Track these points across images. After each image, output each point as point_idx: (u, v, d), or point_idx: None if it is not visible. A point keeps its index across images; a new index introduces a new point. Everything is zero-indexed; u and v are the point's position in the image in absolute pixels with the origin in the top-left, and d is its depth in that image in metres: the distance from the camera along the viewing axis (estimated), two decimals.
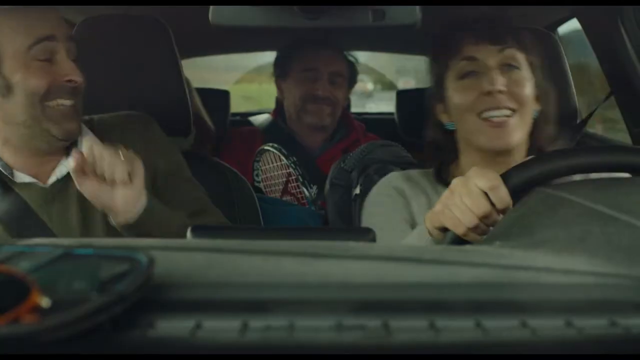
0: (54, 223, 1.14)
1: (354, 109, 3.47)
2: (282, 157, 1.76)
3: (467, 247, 0.71)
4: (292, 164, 1.75)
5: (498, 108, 1.09)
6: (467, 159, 1.18)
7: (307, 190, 1.74)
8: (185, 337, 0.37)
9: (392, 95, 2.41)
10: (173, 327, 0.38)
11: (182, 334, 0.37)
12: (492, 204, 0.84)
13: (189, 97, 1.43)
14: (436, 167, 1.21)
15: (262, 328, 0.38)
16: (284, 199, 1.79)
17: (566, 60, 1.40)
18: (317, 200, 1.75)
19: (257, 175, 1.84)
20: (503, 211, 0.84)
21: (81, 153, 1.03)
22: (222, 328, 0.38)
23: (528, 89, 1.11)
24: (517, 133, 1.10)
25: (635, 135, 1.54)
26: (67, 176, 1.15)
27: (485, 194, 0.84)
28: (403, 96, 2.46)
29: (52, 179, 1.16)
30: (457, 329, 0.38)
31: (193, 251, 0.51)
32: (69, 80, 1.11)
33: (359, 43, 2.47)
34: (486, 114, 1.10)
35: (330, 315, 0.39)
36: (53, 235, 1.14)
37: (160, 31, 1.39)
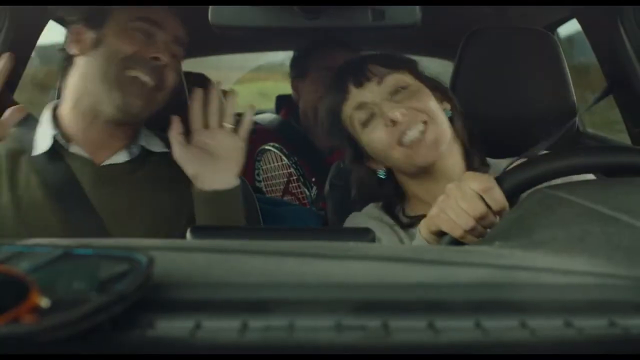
0: (99, 204, 1.14)
1: None
2: (284, 157, 1.76)
3: (467, 247, 0.71)
4: (293, 164, 1.75)
5: (411, 128, 1.09)
6: (411, 187, 1.19)
7: (308, 190, 1.74)
8: (184, 337, 0.37)
9: None
10: (173, 327, 0.38)
11: (181, 334, 0.37)
12: (488, 206, 0.84)
13: (188, 97, 1.43)
14: (387, 208, 1.22)
15: (262, 328, 0.38)
16: (285, 198, 1.79)
17: (565, 61, 1.40)
18: (318, 200, 1.75)
19: (258, 174, 1.84)
20: (499, 213, 0.84)
21: (179, 118, 1.08)
22: (221, 328, 0.38)
23: (425, 98, 1.13)
24: (442, 142, 1.10)
25: (635, 135, 1.54)
26: (122, 164, 1.18)
27: (481, 196, 0.84)
28: None
29: (107, 161, 1.17)
30: (457, 329, 0.38)
31: (193, 251, 0.51)
32: (155, 58, 1.14)
33: (372, 43, 2.47)
34: (405, 139, 1.10)
35: (330, 316, 0.39)
36: (95, 214, 1.14)
37: None
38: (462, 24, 1.66)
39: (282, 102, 2.29)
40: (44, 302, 0.36)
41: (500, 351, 0.37)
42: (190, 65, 2.43)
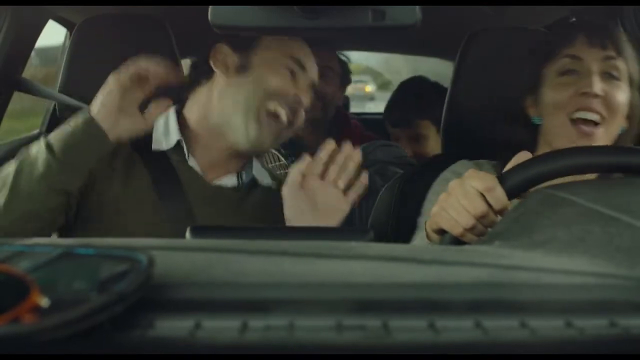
0: (200, 221, 1.15)
1: (353, 109, 3.47)
2: (281, 157, 1.76)
3: (467, 247, 0.71)
4: (291, 164, 1.75)
5: (590, 110, 1.07)
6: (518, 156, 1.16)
7: None
8: (184, 337, 0.37)
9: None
10: (173, 327, 0.38)
11: (181, 334, 0.37)
12: (489, 205, 0.84)
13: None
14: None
15: (262, 328, 0.38)
16: None
17: None
18: None
19: None
20: (500, 212, 0.84)
21: (310, 159, 1.08)
22: (221, 328, 0.38)
23: (623, 101, 1.10)
24: (604, 143, 1.08)
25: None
26: (230, 189, 1.20)
27: (482, 195, 0.84)
28: None
29: (216, 182, 1.19)
30: (457, 329, 0.38)
31: (193, 251, 0.51)
32: (297, 96, 1.18)
33: (360, 42, 2.47)
34: (577, 114, 1.08)
35: (330, 315, 0.39)
36: (191, 214, 1.15)
37: (161, 31, 1.39)
38: (462, 24, 1.66)
39: None
40: (44, 302, 0.36)
41: (501, 351, 0.37)
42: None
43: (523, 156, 0.90)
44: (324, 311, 0.39)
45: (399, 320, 0.39)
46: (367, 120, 2.59)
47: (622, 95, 1.10)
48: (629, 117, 1.13)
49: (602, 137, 1.08)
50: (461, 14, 1.82)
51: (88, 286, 0.37)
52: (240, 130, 1.16)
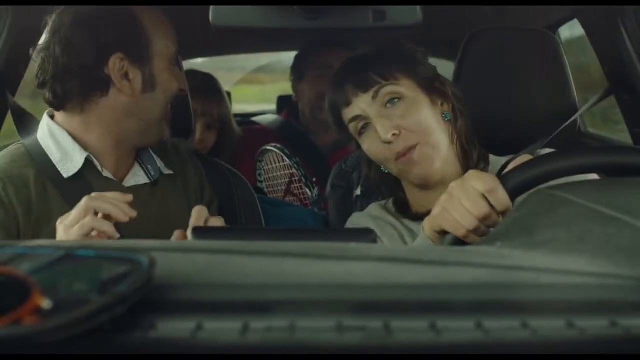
0: (126, 226, 1.12)
1: None
2: (285, 158, 1.76)
3: (468, 248, 0.71)
4: (295, 165, 1.75)
5: (404, 154, 1.09)
6: (411, 192, 1.19)
7: (310, 191, 1.74)
8: (186, 338, 0.37)
9: None
10: (174, 328, 0.38)
11: (183, 335, 0.37)
12: (491, 206, 0.84)
13: (190, 98, 1.44)
14: (394, 203, 1.22)
15: (263, 329, 0.38)
16: (287, 199, 1.79)
17: (566, 61, 1.40)
18: (319, 201, 1.75)
19: (259, 175, 1.84)
20: (503, 213, 0.84)
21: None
22: (223, 329, 0.38)
23: (421, 112, 1.11)
24: (437, 161, 1.10)
25: (635, 135, 1.54)
26: (144, 186, 1.20)
27: (484, 196, 0.84)
28: None
29: (130, 181, 1.19)
30: (458, 329, 0.38)
31: (194, 252, 0.51)
32: (183, 91, 1.23)
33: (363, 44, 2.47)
34: (399, 157, 1.10)
35: (331, 316, 0.39)
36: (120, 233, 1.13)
37: None
38: (463, 24, 1.66)
39: (284, 102, 2.29)
40: (46, 304, 0.36)
41: (502, 351, 0.37)
42: (191, 66, 2.44)
43: (524, 158, 0.90)
44: (325, 312, 0.39)
45: (400, 321, 0.39)
46: None
47: (414, 110, 1.11)
48: (440, 103, 1.16)
49: (428, 152, 1.10)
50: (461, 14, 1.82)
51: (89, 288, 0.38)
52: (154, 135, 1.19)
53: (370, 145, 1.14)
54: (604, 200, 0.60)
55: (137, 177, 1.21)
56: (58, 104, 1.14)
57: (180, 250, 0.52)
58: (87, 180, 1.13)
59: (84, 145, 1.14)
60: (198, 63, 2.77)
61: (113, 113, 1.14)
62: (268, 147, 1.81)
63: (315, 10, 0.89)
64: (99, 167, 1.15)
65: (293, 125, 2.00)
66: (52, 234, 1.05)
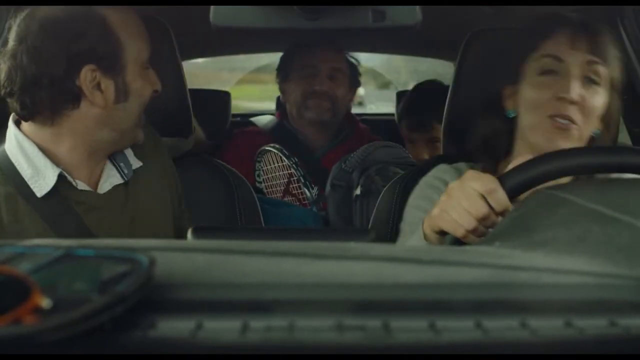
0: (100, 230, 1.12)
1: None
2: (284, 158, 1.76)
3: (467, 247, 0.71)
4: (293, 165, 1.75)
5: (564, 117, 1.07)
6: (521, 151, 1.14)
7: (309, 191, 1.74)
8: (186, 337, 0.37)
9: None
10: (174, 327, 0.38)
11: (183, 335, 0.37)
12: (490, 206, 0.84)
13: (189, 98, 1.44)
14: (485, 166, 1.18)
15: (263, 328, 0.38)
16: (285, 199, 1.79)
17: None
18: (318, 201, 1.75)
19: (258, 175, 1.84)
20: (502, 213, 0.84)
21: None
22: (223, 328, 0.38)
23: (599, 108, 1.10)
24: (574, 143, 1.08)
25: (634, 135, 1.54)
26: (117, 186, 1.16)
27: (483, 196, 0.84)
28: (403, 97, 2.46)
29: (104, 187, 1.15)
30: (458, 329, 0.38)
31: (194, 252, 0.51)
32: (157, 91, 1.17)
33: (361, 43, 2.47)
34: (552, 117, 1.08)
35: (331, 316, 0.39)
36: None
37: (161, 31, 1.39)
38: (463, 24, 1.66)
39: (280, 103, 2.29)
40: (46, 303, 0.36)
41: (501, 351, 0.37)
42: (192, 66, 2.44)
43: (523, 159, 0.90)
44: (324, 311, 0.39)
45: (399, 320, 0.39)
46: (366, 121, 2.59)
47: (599, 100, 1.10)
48: (605, 121, 1.13)
49: (577, 136, 1.08)
50: (461, 14, 1.82)
51: (89, 287, 0.38)
52: (127, 141, 1.17)
53: (540, 89, 1.10)
54: (604, 200, 0.60)
55: (111, 178, 1.16)
56: (27, 115, 1.08)
57: (180, 250, 0.52)
58: (62, 195, 1.09)
59: (54, 158, 1.09)
60: (199, 63, 2.76)
61: (85, 125, 1.09)
62: (267, 148, 1.81)
63: (315, 10, 0.89)
64: (73, 182, 1.10)
65: (285, 126, 2.00)
66: None
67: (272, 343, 0.37)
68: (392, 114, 2.65)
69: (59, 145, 1.09)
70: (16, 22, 1.07)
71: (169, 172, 1.29)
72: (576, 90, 1.07)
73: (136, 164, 1.21)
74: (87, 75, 1.05)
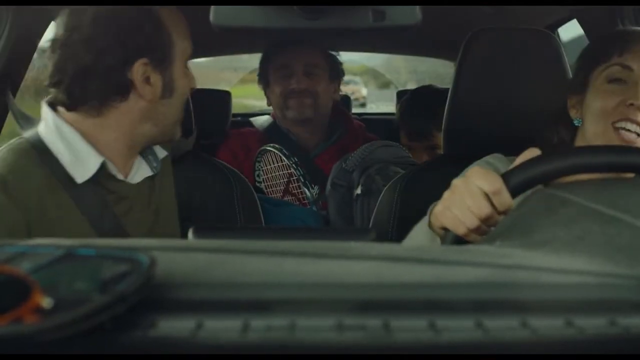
0: (128, 220, 1.14)
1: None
2: (283, 158, 1.76)
3: (468, 247, 0.71)
4: (293, 164, 1.75)
5: (632, 122, 1.07)
6: (526, 152, 1.15)
7: (309, 190, 1.75)
8: (186, 337, 0.37)
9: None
10: (174, 327, 0.38)
11: (183, 334, 0.37)
12: (494, 206, 0.83)
13: (189, 98, 1.44)
14: None
15: (263, 328, 0.38)
16: (285, 199, 1.80)
17: (566, 61, 1.40)
18: (318, 200, 1.75)
19: (258, 175, 1.84)
20: (504, 213, 0.84)
21: None
22: (223, 328, 0.38)
23: None
24: None
25: None
26: (149, 178, 1.20)
27: (487, 196, 0.84)
28: (403, 97, 2.46)
29: (135, 178, 1.17)
30: (458, 328, 0.38)
31: (194, 251, 0.52)
32: (193, 87, 1.22)
33: (361, 43, 2.47)
34: (619, 124, 1.08)
35: (331, 315, 0.39)
36: (125, 232, 1.13)
37: None
38: (463, 24, 1.66)
39: None
40: (46, 302, 0.36)
41: (501, 351, 0.37)
42: (193, 66, 2.44)
43: (531, 153, 0.89)
44: (325, 311, 0.39)
45: (399, 320, 0.39)
46: (367, 120, 2.59)
47: None
48: None
49: None
50: (461, 14, 1.82)
51: (90, 287, 0.38)
52: (166, 137, 1.20)
53: (607, 96, 1.10)
54: (604, 200, 0.60)
55: (141, 170, 1.19)
56: (73, 104, 1.09)
57: (181, 249, 0.52)
58: (99, 183, 1.10)
59: (97, 147, 1.10)
60: (199, 63, 2.76)
61: (130, 118, 1.11)
62: (267, 147, 1.81)
63: (315, 10, 0.89)
64: (114, 172, 1.12)
65: (278, 127, 2.00)
66: (72, 236, 1.03)
67: (272, 343, 0.37)
68: (392, 114, 2.65)
69: (102, 135, 1.11)
70: (65, 14, 1.09)
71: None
72: None
73: (161, 153, 1.24)
74: (139, 69, 1.08)
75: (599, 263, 0.47)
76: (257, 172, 1.84)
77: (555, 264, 0.49)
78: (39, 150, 1.09)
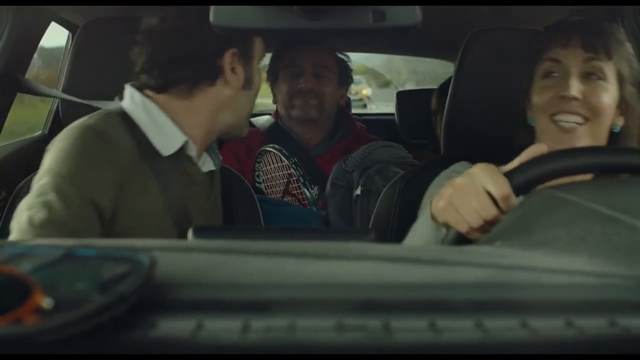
0: (194, 205, 1.20)
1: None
2: (283, 158, 1.76)
3: (467, 247, 0.71)
4: (293, 165, 1.75)
5: (569, 113, 1.10)
6: (532, 148, 1.17)
7: (309, 191, 1.75)
8: (186, 337, 0.37)
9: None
10: (175, 327, 0.38)
11: (183, 335, 0.37)
12: (499, 208, 0.83)
13: None
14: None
15: (264, 328, 0.38)
16: (285, 199, 1.80)
17: None
18: (318, 201, 1.75)
19: (258, 176, 1.84)
20: (506, 212, 0.84)
21: None
22: (223, 328, 0.38)
23: (607, 101, 1.11)
24: (584, 142, 1.10)
25: None
26: (213, 172, 1.29)
27: (493, 198, 0.83)
28: (403, 97, 2.46)
29: (204, 167, 1.25)
30: (458, 329, 0.38)
31: (194, 252, 0.52)
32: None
33: (360, 43, 2.47)
34: (557, 117, 1.11)
35: (331, 316, 0.39)
36: (189, 215, 1.17)
37: None
38: (463, 24, 1.66)
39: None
40: (47, 303, 0.36)
41: (501, 351, 0.37)
42: None
43: (537, 148, 0.90)
44: (325, 311, 0.39)
45: (400, 320, 0.39)
46: (367, 121, 2.59)
47: (604, 95, 1.11)
48: (625, 114, 1.15)
49: (586, 133, 1.10)
50: (461, 14, 1.82)
51: (90, 287, 0.38)
52: (239, 130, 1.29)
53: (543, 92, 1.14)
54: (604, 200, 0.60)
55: (207, 163, 1.26)
56: (164, 87, 1.17)
57: (181, 250, 0.52)
58: (178, 161, 1.17)
59: (180, 128, 1.18)
60: None
61: (215, 103, 1.20)
62: (267, 148, 1.81)
63: (315, 10, 0.89)
64: (193, 153, 1.19)
65: (280, 126, 2.00)
66: (147, 208, 1.10)
67: (272, 343, 0.37)
68: (392, 114, 2.65)
69: (188, 116, 1.19)
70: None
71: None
72: (575, 86, 1.09)
73: (219, 156, 1.32)
74: (229, 58, 1.18)
75: (599, 263, 0.47)
76: (256, 173, 1.84)
77: (555, 265, 0.49)
78: (126, 120, 1.15)
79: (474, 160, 1.22)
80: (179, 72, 1.17)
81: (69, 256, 0.42)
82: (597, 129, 1.11)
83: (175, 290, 0.41)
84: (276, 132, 1.98)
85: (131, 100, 1.18)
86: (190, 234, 0.73)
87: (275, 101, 2.03)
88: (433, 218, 0.93)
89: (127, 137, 1.12)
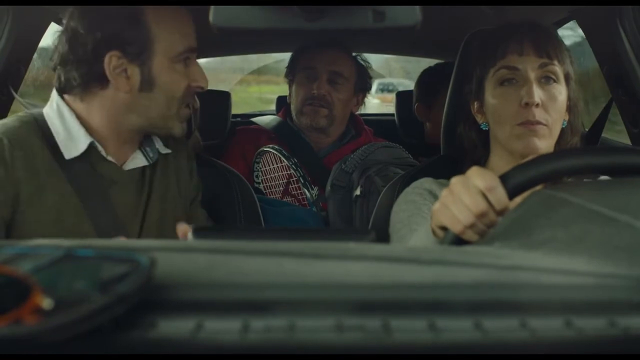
0: (118, 205, 1.19)
1: None
2: (283, 158, 1.76)
3: (467, 247, 0.71)
4: (292, 165, 1.75)
5: (534, 123, 1.13)
6: (498, 159, 1.22)
7: (309, 191, 1.74)
8: (186, 337, 0.37)
9: None
10: (174, 327, 0.38)
11: (183, 335, 0.37)
12: (490, 204, 0.84)
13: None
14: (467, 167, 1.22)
15: (263, 328, 0.38)
16: (285, 200, 1.79)
17: None
18: (318, 201, 1.75)
19: (256, 176, 1.84)
20: (501, 212, 0.84)
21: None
22: (223, 328, 0.38)
23: (562, 103, 1.16)
24: (546, 141, 1.14)
25: (634, 135, 1.54)
26: (143, 168, 1.23)
27: (484, 194, 0.84)
28: (403, 97, 2.46)
29: (129, 165, 1.22)
30: (457, 329, 0.38)
31: (194, 252, 0.52)
32: (199, 87, 1.21)
33: (360, 43, 2.47)
34: (521, 127, 1.13)
35: (331, 316, 0.39)
36: (114, 215, 1.17)
37: None
38: (462, 24, 1.66)
39: (282, 102, 2.28)
40: (46, 303, 0.36)
41: (501, 351, 0.37)
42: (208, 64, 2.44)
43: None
44: (324, 311, 0.39)
45: (399, 320, 0.39)
46: (367, 121, 2.58)
47: (560, 97, 1.16)
48: (570, 110, 1.20)
49: (547, 134, 1.14)
50: (461, 14, 1.82)
51: (90, 287, 0.38)
52: (161, 130, 1.22)
53: (503, 99, 1.17)
54: (604, 200, 0.60)
55: (136, 159, 1.23)
56: (62, 88, 1.17)
57: (181, 250, 0.52)
58: (89, 162, 1.16)
59: (89, 129, 1.16)
60: (205, 63, 2.76)
61: (112, 106, 1.16)
62: (266, 148, 1.80)
63: (315, 10, 0.89)
64: (103, 153, 1.17)
65: (288, 125, 1.98)
66: (48, 205, 1.11)
67: (272, 343, 0.37)
68: (392, 114, 2.65)
69: (90, 119, 1.17)
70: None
71: (185, 171, 1.33)
72: (537, 93, 1.13)
73: (163, 150, 1.27)
74: (111, 61, 1.12)
75: (598, 263, 0.47)
76: (255, 174, 1.84)
77: (555, 265, 0.49)
78: (40, 124, 1.16)
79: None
80: (70, 75, 1.15)
81: (69, 256, 0.42)
82: (555, 127, 1.16)
83: (175, 291, 0.41)
84: (285, 131, 1.95)
85: (50, 104, 1.19)
86: (190, 234, 0.73)
87: (289, 101, 2.01)
88: (434, 232, 0.94)
89: (33, 141, 1.13)
